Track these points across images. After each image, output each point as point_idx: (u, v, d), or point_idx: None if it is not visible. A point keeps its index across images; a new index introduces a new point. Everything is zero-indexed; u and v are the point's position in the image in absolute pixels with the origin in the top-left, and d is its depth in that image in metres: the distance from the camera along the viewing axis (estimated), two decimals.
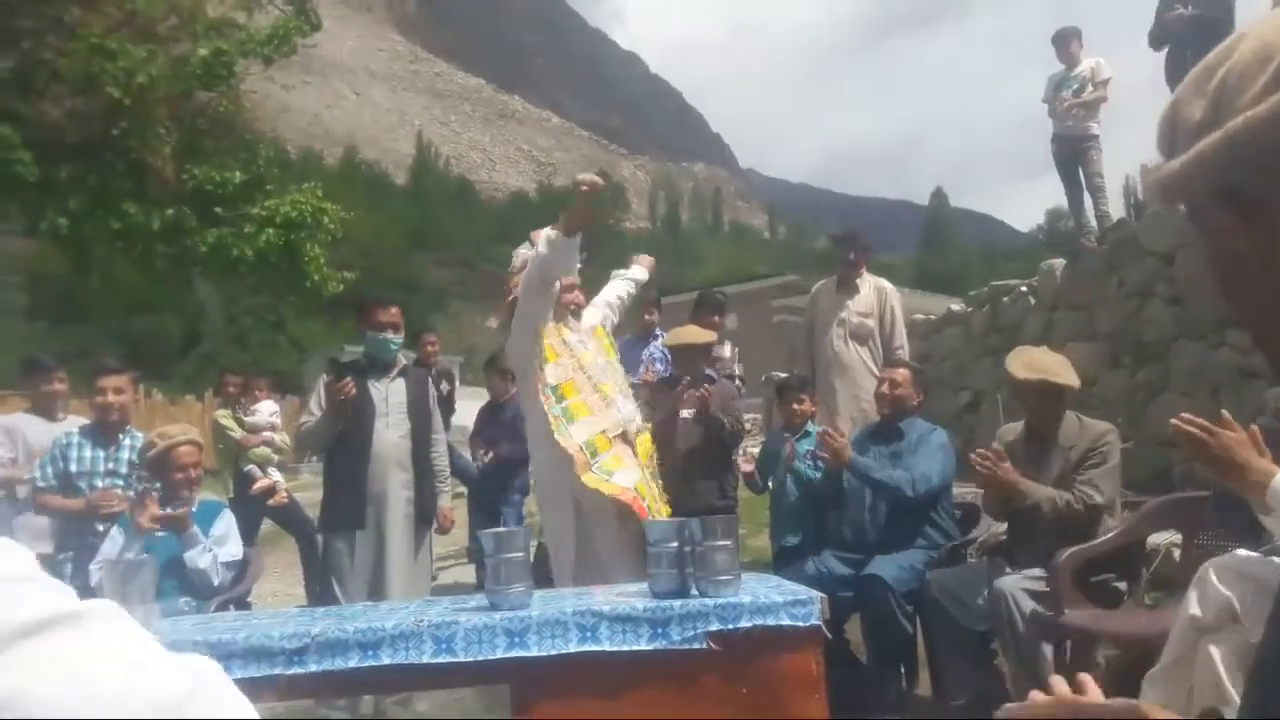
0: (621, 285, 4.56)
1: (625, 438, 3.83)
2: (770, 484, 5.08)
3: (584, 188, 3.56)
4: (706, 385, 5.05)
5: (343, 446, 4.42)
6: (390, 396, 4.52)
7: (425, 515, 4.51)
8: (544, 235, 3.66)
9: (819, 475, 4.76)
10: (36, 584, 0.57)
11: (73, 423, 4.97)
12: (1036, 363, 3.87)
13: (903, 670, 4.09)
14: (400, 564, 4.32)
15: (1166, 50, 7.59)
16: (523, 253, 3.90)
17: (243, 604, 4.30)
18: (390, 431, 4.46)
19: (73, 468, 4.56)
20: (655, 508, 3.73)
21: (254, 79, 12.86)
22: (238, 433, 7.41)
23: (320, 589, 4.40)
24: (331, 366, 4.52)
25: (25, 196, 11.76)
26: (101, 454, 4.63)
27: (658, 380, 5.99)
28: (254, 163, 12.59)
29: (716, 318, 6.14)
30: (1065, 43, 8.22)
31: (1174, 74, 7.45)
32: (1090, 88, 7.98)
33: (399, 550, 4.34)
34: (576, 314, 4.03)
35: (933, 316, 10.10)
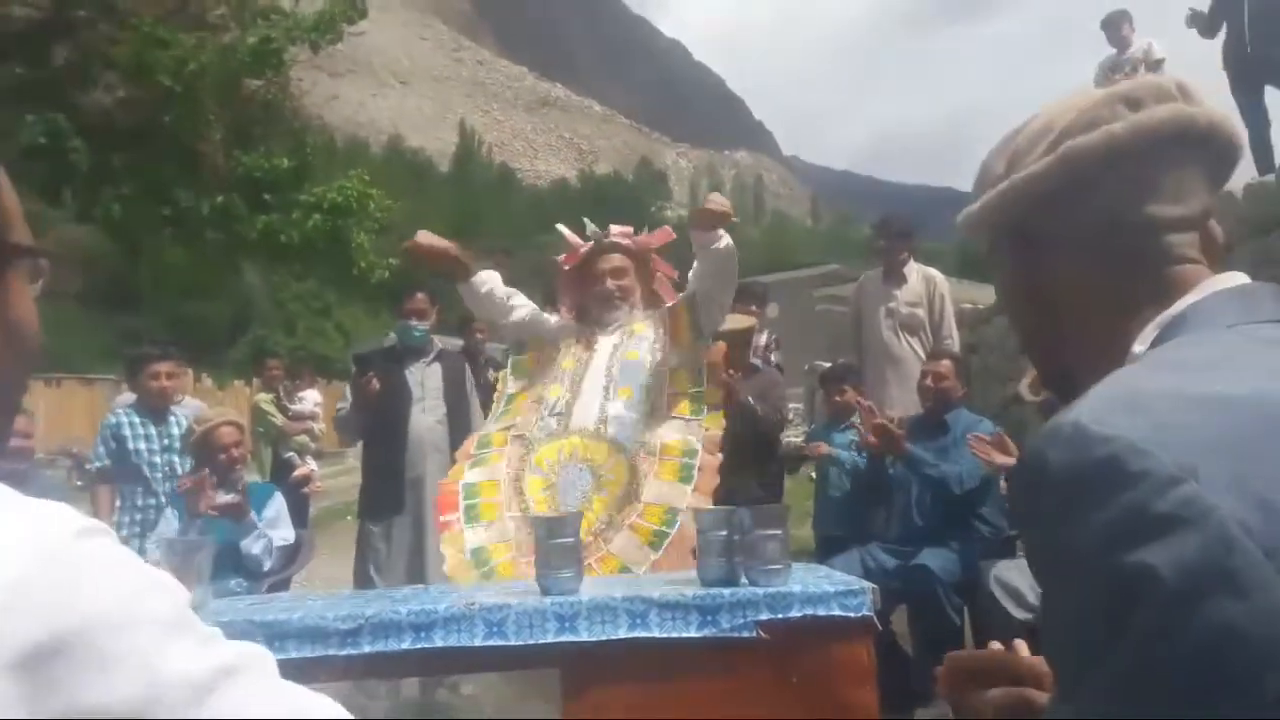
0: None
1: (524, 441, 3.20)
2: (815, 474, 5.06)
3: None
4: (732, 371, 4.99)
5: (380, 432, 4.50)
6: (426, 381, 4.59)
7: None
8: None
9: (860, 462, 4.72)
10: (189, 629, 0.61)
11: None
12: None
13: None
14: (438, 548, 4.35)
15: (1224, 35, 7.40)
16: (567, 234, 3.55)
17: (283, 586, 4.36)
18: (426, 416, 4.52)
19: (130, 445, 4.66)
20: (488, 509, 3.09)
21: (301, 67, 13.03)
22: (279, 418, 7.54)
23: (360, 576, 4.46)
24: (356, 360, 4.63)
25: (79, 183, 12.03)
26: (155, 432, 4.73)
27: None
28: (301, 150, 12.79)
29: (754, 307, 6.12)
30: (1116, 26, 8.06)
31: (1232, 60, 7.27)
32: (1143, 70, 7.81)
33: (436, 535, 4.37)
34: (613, 306, 3.40)
35: (980, 306, 9.97)
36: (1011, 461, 3.80)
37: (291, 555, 4.36)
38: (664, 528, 2.94)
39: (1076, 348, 0.87)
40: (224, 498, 3.93)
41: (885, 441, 4.21)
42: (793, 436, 6.39)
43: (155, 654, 0.57)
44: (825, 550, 4.73)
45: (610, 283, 3.36)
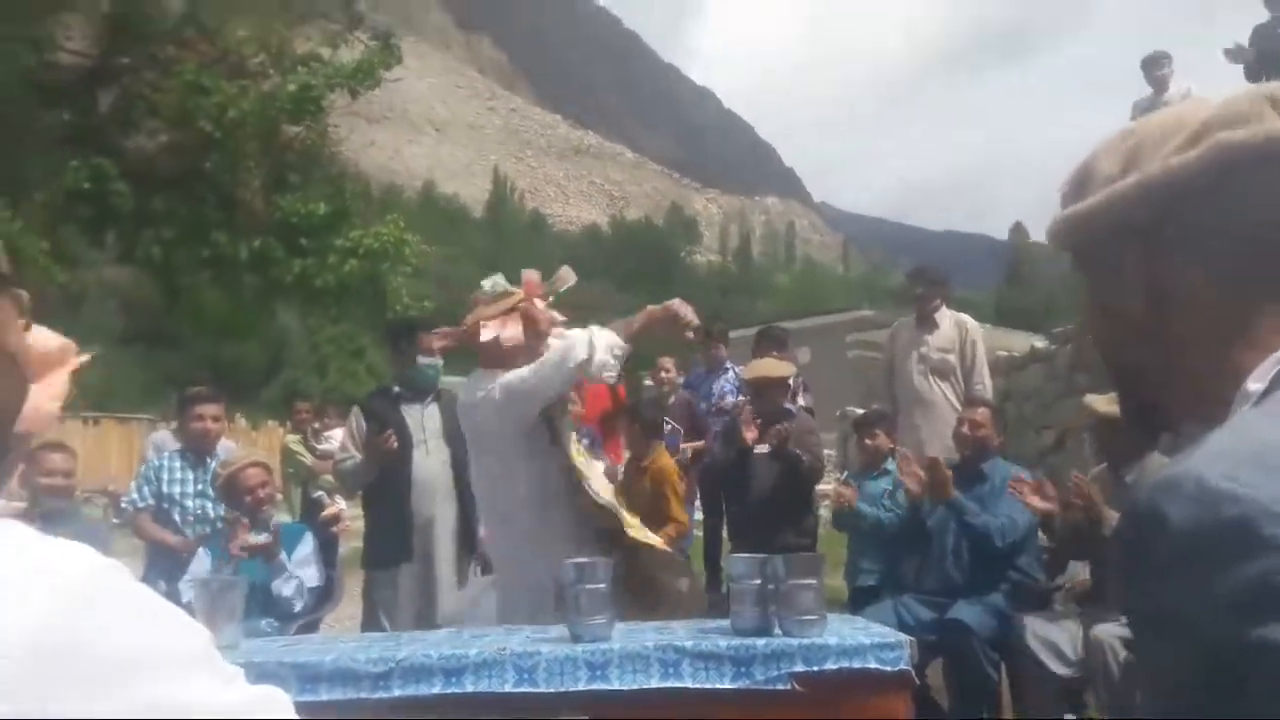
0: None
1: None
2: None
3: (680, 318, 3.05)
4: (783, 424, 5.00)
5: (380, 478, 4.35)
6: (426, 423, 4.44)
7: (469, 543, 4.41)
8: (604, 341, 3.04)
9: (892, 517, 4.67)
10: (212, 669, 0.61)
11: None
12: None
13: (985, 716, 3.97)
14: (449, 594, 4.26)
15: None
16: (496, 282, 3.35)
17: (313, 627, 4.34)
18: (430, 459, 4.36)
19: (164, 489, 4.70)
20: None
21: (338, 114, 13.30)
22: (308, 459, 7.59)
23: (369, 623, 4.38)
24: (365, 414, 4.49)
25: (121, 226, 12.30)
26: (192, 475, 4.77)
27: (729, 410, 5.98)
28: (339, 195, 13.01)
29: (775, 353, 6.11)
30: (1155, 66, 8.05)
31: None
32: None
33: (447, 580, 4.27)
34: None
35: (1015, 354, 9.88)
36: (1051, 509, 3.74)
37: (322, 596, 4.35)
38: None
39: (1177, 374, 0.79)
40: (254, 538, 3.94)
41: (935, 483, 4.14)
42: (826, 485, 6.33)
43: (177, 691, 0.57)
44: (858, 601, 4.67)
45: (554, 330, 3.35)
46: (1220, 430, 0.66)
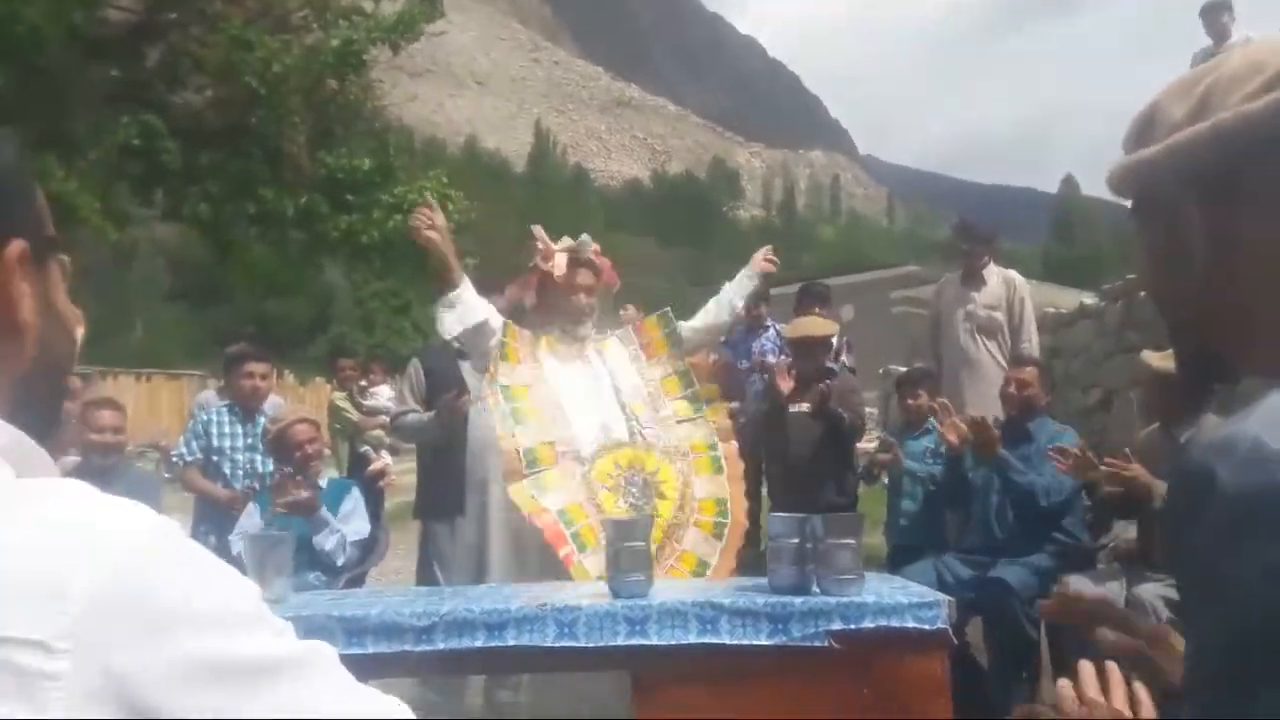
0: (721, 303, 3.83)
1: (577, 457, 3.27)
2: (887, 481, 4.99)
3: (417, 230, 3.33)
4: (826, 382, 4.98)
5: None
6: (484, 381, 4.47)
7: None
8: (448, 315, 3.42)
9: (936, 470, 4.65)
10: (264, 623, 0.63)
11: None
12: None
13: (1025, 676, 3.96)
14: (503, 552, 4.30)
15: None
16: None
17: (359, 581, 4.42)
18: (488, 416, 4.40)
19: (214, 443, 4.80)
20: (588, 533, 3.12)
21: (381, 68, 13.27)
22: (354, 415, 7.71)
23: (423, 574, 4.44)
24: (425, 369, 4.51)
25: (170, 182, 12.43)
26: (241, 430, 4.86)
27: (770, 368, 5.96)
28: (383, 150, 13.01)
29: (817, 309, 6.06)
30: (1215, 14, 7.75)
31: None
32: None
33: (501, 539, 4.31)
34: (582, 320, 3.52)
35: (1063, 310, 9.71)
36: (1094, 477, 3.68)
37: (367, 550, 4.42)
38: (720, 518, 3.29)
39: (1242, 324, 0.77)
40: (291, 495, 3.99)
41: (980, 440, 4.10)
42: (867, 443, 6.31)
43: (233, 644, 0.60)
44: (897, 560, 4.66)
45: (584, 298, 3.49)
46: (1277, 393, 0.64)
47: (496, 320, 3.47)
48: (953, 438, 4.23)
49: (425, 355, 4.74)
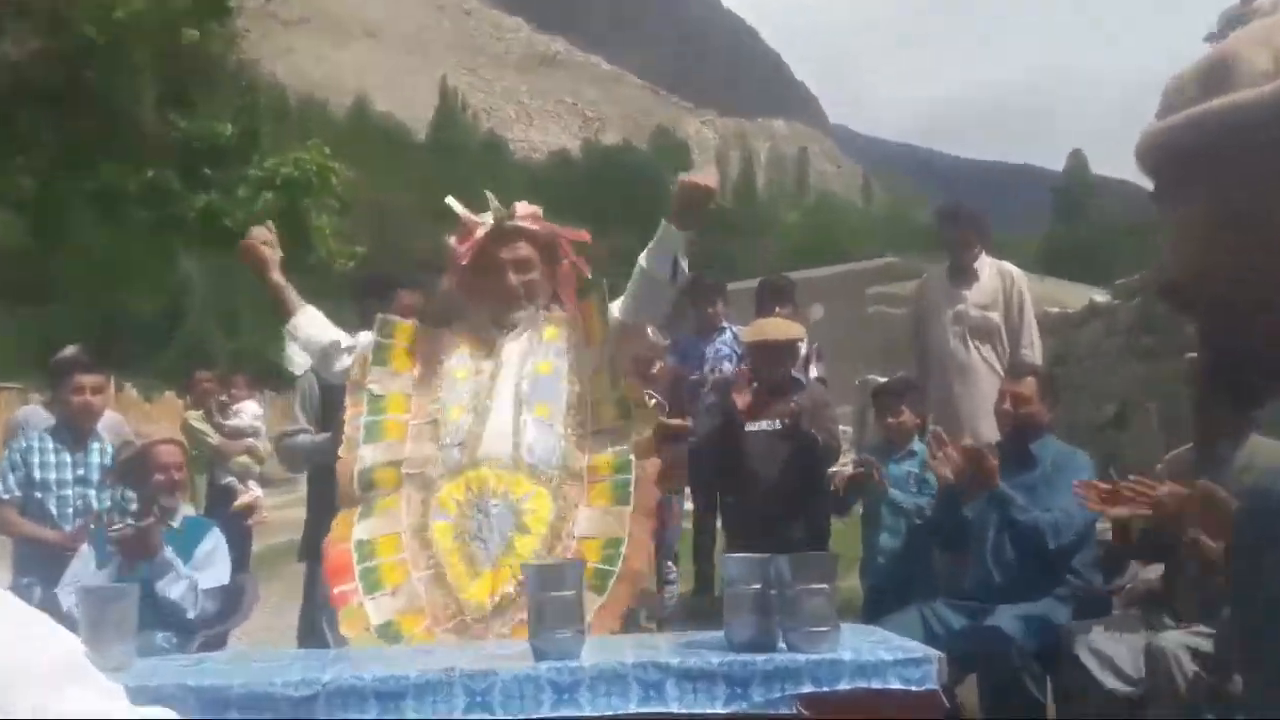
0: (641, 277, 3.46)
1: (423, 481, 3.15)
2: (863, 513, 5.05)
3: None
4: (796, 397, 5.02)
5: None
6: None
7: None
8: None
9: (922, 501, 4.71)
10: (86, 679, 0.63)
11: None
12: None
13: None
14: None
15: None
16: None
17: (219, 642, 4.35)
18: None
19: (35, 475, 4.68)
20: (390, 571, 3.04)
21: (250, 15, 13.10)
22: (214, 438, 7.58)
23: (307, 631, 4.40)
24: (322, 381, 4.50)
25: None
26: (70, 458, 4.75)
27: (724, 381, 5.98)
28: (250, 114, 12.86)
29: (779, 309, 6.12)
30: None
31: None
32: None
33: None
34: (514, 304, 3.36)
35: (1070, 310, 9.94)
36: (1127, 514, 3.69)
37: (229, 604, 4.35)
38: (605, 564, 3.00)
39: None
40: (121, 527, 3.92)
41: (975, 472, 4.15)
42: (841, 467, 6.39)
43: (48, 705, 0.59)
44: (876, 606, 4.71)
45: (513, 277, 3.34)
46: None
47: (353, 337, 3.50)
48: (946, 472, 4.26)
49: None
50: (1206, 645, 3.49)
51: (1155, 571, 4.20)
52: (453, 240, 3.46)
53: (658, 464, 3.23)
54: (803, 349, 6.18)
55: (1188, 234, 0.83)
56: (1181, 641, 3.50)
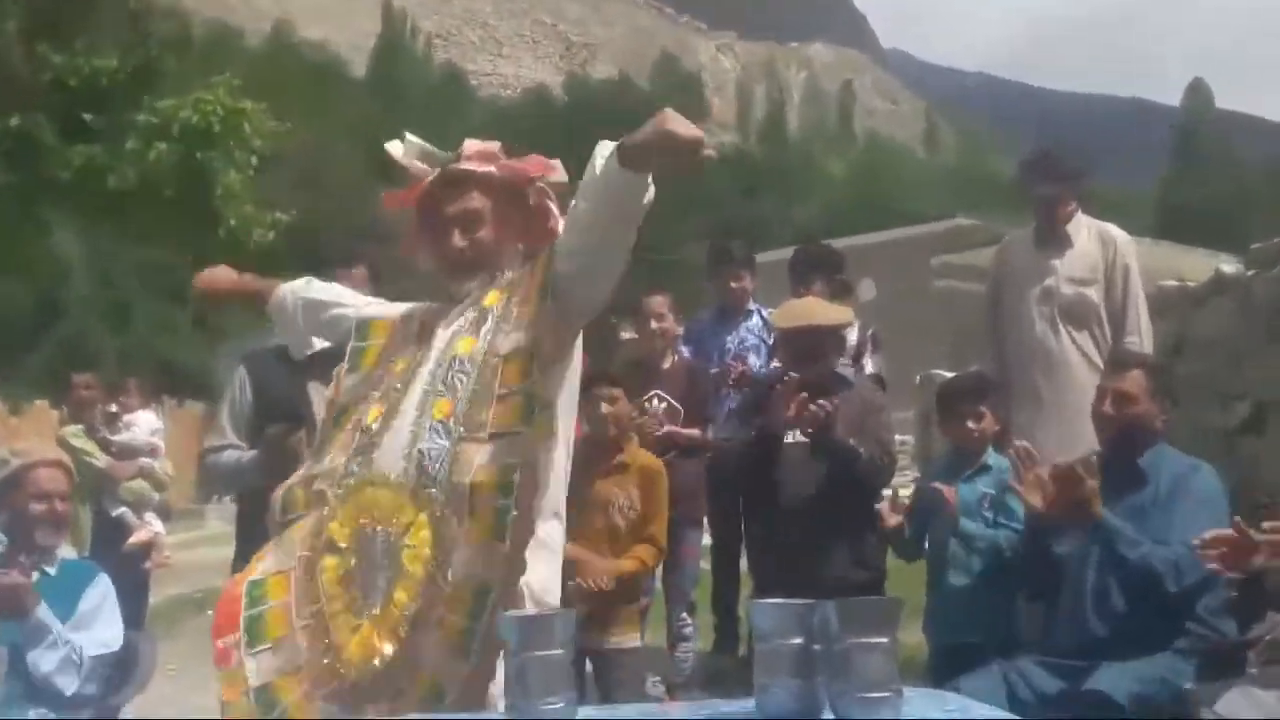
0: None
1: (324, 499, 3.14)
2: (928, 546, 5.05)
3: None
4: (822, 401, 5.00)
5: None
6: None
7: None
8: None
9: (1002, 535, 4.71)
10: None
11: None
12: None
13: None
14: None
15: None
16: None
17: (108, 714, 4.35)
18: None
19: None
20: (276, 620, 3.05)
21: None
22: (100, 458, 7.58)
23: None
24: (253, 380, 4.53)
25: None
26: None
27: (753, 379, 5.98)
28: (140, 46, 12.86)
29: (820, 285, 6.12)
30: None
31: None
32: None
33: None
34: (458, 273, 3.34)
35: (1191, 283, 9.93)
36: (1261, 560, 3.67)
37: (122, 671, 4.36)
38: (470, 621, 2.89)
39: None
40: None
41: (1070, 498, 4.16)
42: (900, 486, 6.40)
43: None
44: (946, 665, 4.72)
45: (458, 237, 3.30)
46: None
47: (352, 305, 3.57)
48: (1035, 499, 4.27)
49: (254, 362, 4.73)
50: None
51: None
52: (388, 194, 3.49)
53: (539, 482, 3.07)
54: (851, 337, 6.18)
55: None
56: None
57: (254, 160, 12.53)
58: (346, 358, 3.38)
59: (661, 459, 5.36)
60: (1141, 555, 4.07)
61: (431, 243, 3.38)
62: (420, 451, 3.02)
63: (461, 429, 3.04)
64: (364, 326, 3.42)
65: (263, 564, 3.13)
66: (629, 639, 5.10)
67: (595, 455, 5.06)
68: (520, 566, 2.98)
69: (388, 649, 2.86)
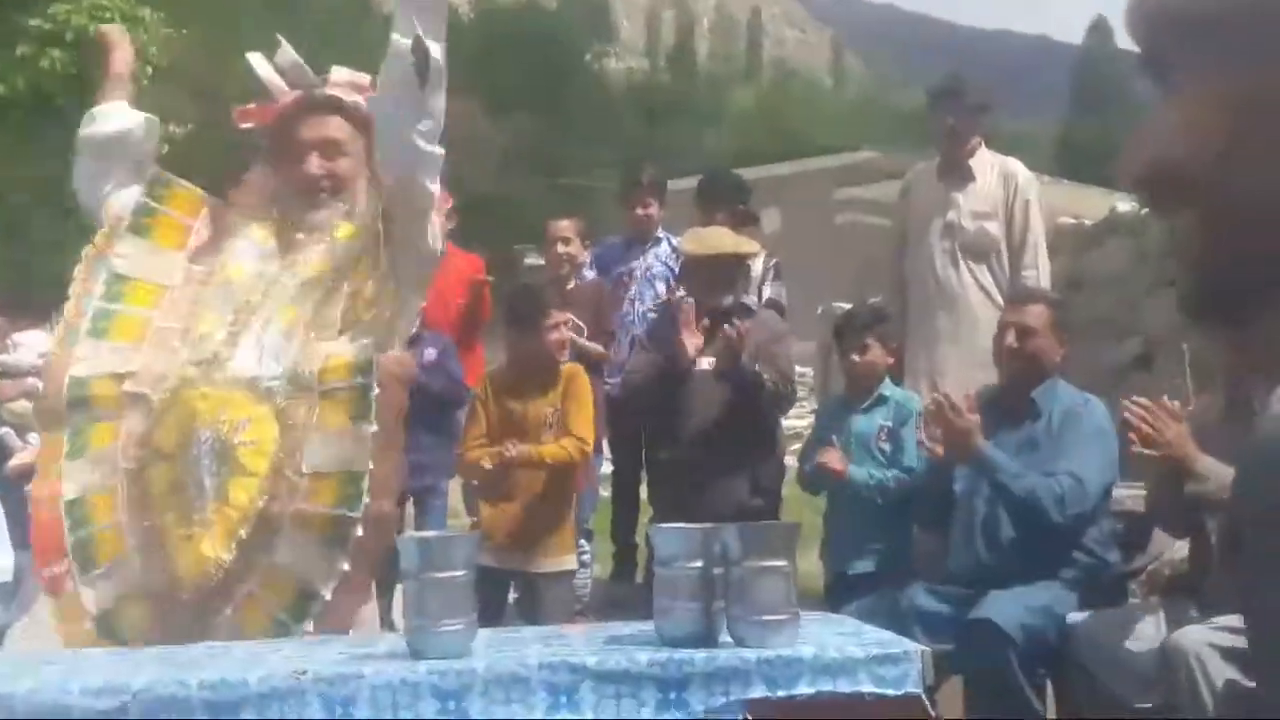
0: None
1: (145, 403, 2.98)
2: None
3: None
4: (738, 320, 5.04)
5: None
6: None
7: None
8: None
9: (887, 477, 4.78)
10: None
11: None
12: None
13: None
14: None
15: None
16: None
17: None
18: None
19: None
20: (108, 542, 2.94)
21: None
22: None
23: None
24: None
25: None
26: None
27: (657, 309, 5.98)
28: None
29: (729, 214, 6.12)
30: None
31: None
32: None
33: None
34: (315, 201, 3.26)
35: (1088, 221, 10.07)
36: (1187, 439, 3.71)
37: (5, 593, 4.31)
38: (343, 508, 2.89)
39: None
40: None
41: (952, 435, 4.21)
42: (796, 419, 6.46)
43: None
44: (841, 592, 4.79)
45: (315, 162, 3.24)
46: None
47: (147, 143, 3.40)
48: (939, 449, 4.32)
49: None
50: (1241, 642, 3.55)
51: (1182, 550, 4.26)
52: (240, 110, 3.40)
53: (403, 361, 3.17)
54: (756, 267, 6.19)
55: (1196, 115, 0.82)
56: (1207, 639, 3.49)
57: (149, 71, 12.20)
58: (131, 211, 3.22)
59: None
60: (1024, 487, 4.13)
61: (284, 165, 3.28)
62: (262, 346, 2.98)
63: (312, 333, 3.03)
64: (159, 184, 3.29)
65: (70, 477, 2.97)
66: (562, 562, 5.08)
67: (528, 380, 5.05)
68: (396, 447, 3.02)
69: (224, 555, 2.80)
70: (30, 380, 7.58)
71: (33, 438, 7.37)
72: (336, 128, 3.26)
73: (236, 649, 2.67)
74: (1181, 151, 0.82)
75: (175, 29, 13.05)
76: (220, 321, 3.03)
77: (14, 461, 6.90)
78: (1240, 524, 0.71)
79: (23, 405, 7.42)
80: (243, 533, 2.82)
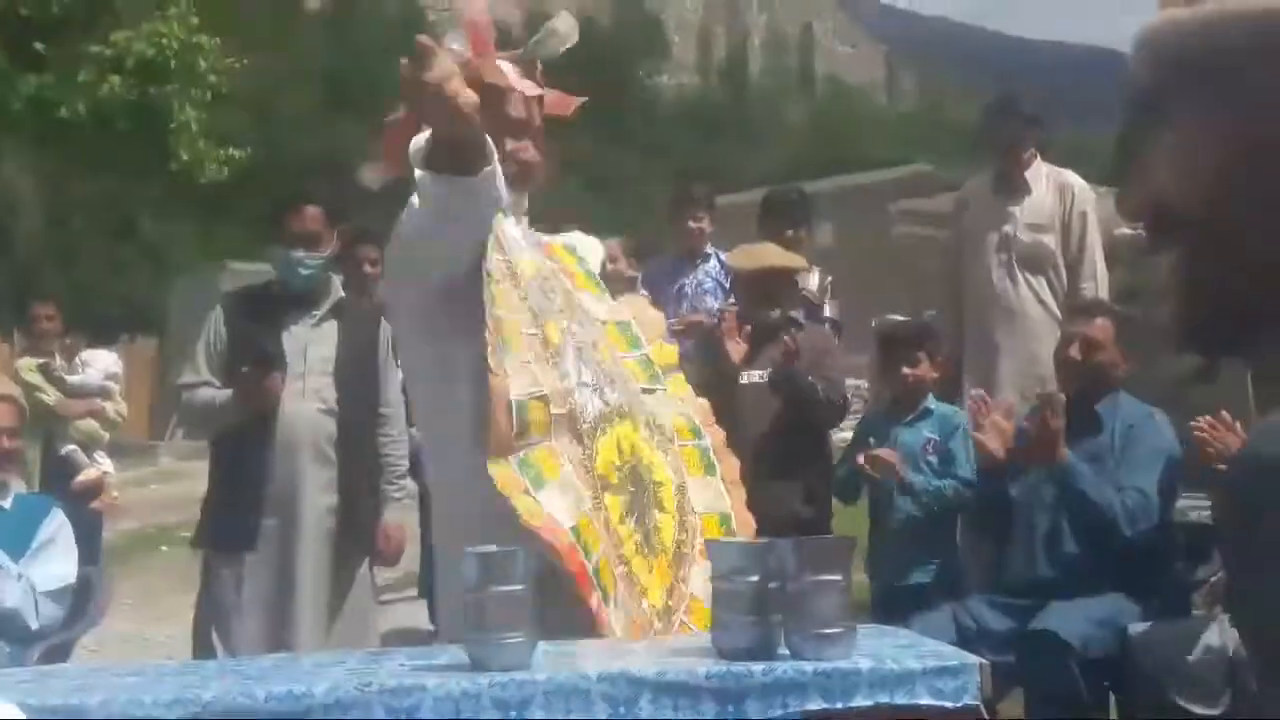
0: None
1: (571, 423, 2.71)
2: (869, 489, 5.07)
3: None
4: (791, 332, 5.05)
5: (234, 423, 4.48)
6: (311, 349, 4.54)
7: (358, 532, 4.56)
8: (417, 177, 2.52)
9: (944, 485, 4.75)
10: None
11: None
12: None
13: None
14: (313, 605, 4.39)
15: None
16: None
17: (62, 653, 4.36)
18: (306, 403, 4.48)
19: None
20: (605, 572, 2.67)
21: None
22: (52, 395, 7.50)
23: (202, 639, 4.45)
24: (229, 323, 4.56)
25: None
26: None
27: (709, 321, 5.98)
28: None
29: (790, 231, 6.11)
30: None
31: None
32: None
33: (311, 584, 4.40)
34: (530, 181, 2.89)
35: (1144, 233, 9.99)
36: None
37: (76, 606, 4.36)
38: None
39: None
40: None
41: (1039, 441, 4.17)
42: (848, 430, 6.44)
43: None
44: (890, 605, 4.76)
45: (530, 142, 2.89)
46: None
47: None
48: (996, 445, 4.29)
49: (230, 302, 4.78)
50: None
51: None
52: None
53: (721, 434, 3.19)
54: (812, 283, 6.18)
55: (1194, 155, 0.86)
56: None
57: (208, 96, 12.37)
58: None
59: None
60: (1103, 498, 4.10)
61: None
62: (633, 388, 2.96)
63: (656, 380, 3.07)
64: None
65: (548, 500, 2.63)
66: None
67: None
68: (740, 495, 3.10)
69: (682, 585, 2.86)
70: (98, 400, 7.66)
71: (98, 455, 7.47)
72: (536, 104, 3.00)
73: (304, 661, 2.71)
74: (1177, 189, 0.86)
75: (236, 57, 13.21)
76: (558, 329, 2.79)
77: (80, 478, 6.98)
78: (1226, 529, 0.73)
79: (89, 424, 7.50)
80: (677, 571, 2.86)
